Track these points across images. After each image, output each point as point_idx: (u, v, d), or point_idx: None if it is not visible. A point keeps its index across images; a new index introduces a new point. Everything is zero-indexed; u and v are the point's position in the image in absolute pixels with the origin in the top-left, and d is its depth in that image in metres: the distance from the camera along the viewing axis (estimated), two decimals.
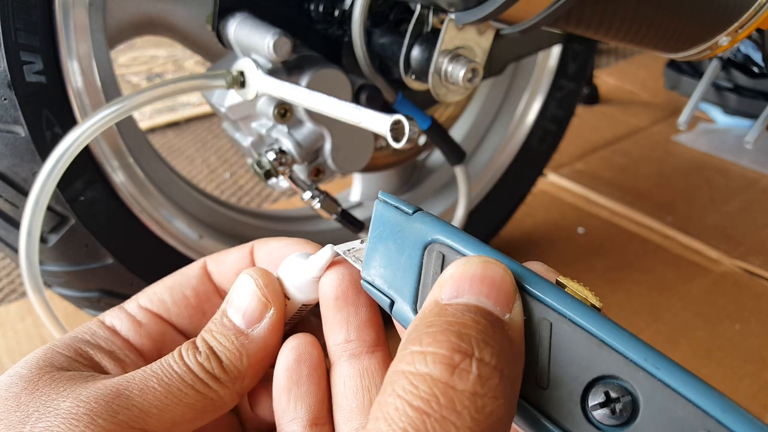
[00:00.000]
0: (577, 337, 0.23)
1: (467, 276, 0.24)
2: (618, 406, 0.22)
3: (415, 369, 0.22)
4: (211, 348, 0.30)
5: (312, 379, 0.31)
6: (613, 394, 0.22)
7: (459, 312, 0.23)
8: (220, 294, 0.36)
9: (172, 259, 0.68)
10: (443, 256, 0.27)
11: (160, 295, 0.34)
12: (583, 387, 0.23)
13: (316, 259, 0.32)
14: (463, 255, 0.27)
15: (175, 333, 0.35)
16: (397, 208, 0.29)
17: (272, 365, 0.32)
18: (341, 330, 0.31)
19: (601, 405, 0.23)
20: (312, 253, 0.33)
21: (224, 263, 0.35)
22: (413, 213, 0.29)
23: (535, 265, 0.27)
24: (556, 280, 0.26)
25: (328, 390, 0.32)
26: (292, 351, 0.31)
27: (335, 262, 0.32)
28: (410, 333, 0.23)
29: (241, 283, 0.32)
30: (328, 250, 0.31)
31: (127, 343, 0.33)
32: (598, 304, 0.24)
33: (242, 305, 0.31)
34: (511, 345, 0.23)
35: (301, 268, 0.32)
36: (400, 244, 0.29)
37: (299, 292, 0.32)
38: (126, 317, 0.34)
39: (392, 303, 0.28)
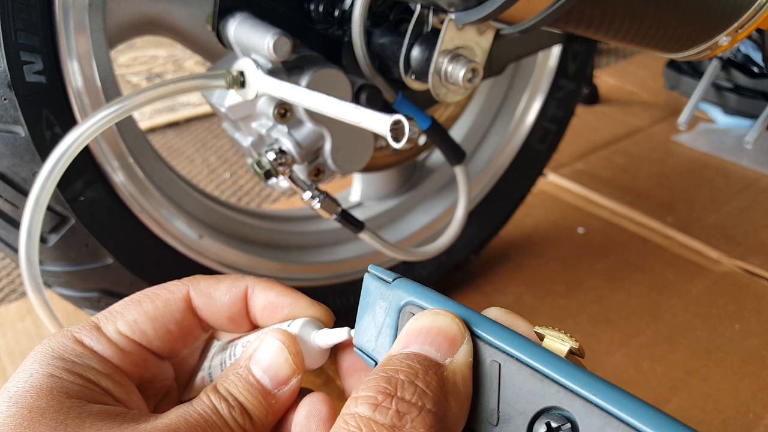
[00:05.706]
0: (522, 374, 0.25)
1: (417, 328, 0.28)
2: None
3: (348, 411, 0.26)
4: (241, 404, 0.32)
5: None
6: (554, 424, 0.24)
7: (398, 360, 0.27)
8: (203, 326, 0.37)
9: (172, 259, 0.68)
10: (413, 315, 0.29)
11: (142, 327, 0.35)
12: (528, 420, 0.25)
13: (330, 336, 0.35)
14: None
15: (154, 358, 0.36)
16: (380, 278, 0.32)
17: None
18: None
19: None
20: (315, 315, 0.36)
21: (214, 302, 0.36)
22: (392, 281, 0.31)
23: (493, 311, 0.29)
24: (535, 331, 0.27)
25: None
26: (303, 408, 0.34)
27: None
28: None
29: (270, 345, 0.34)
30: (344, 334, 0.34)
31: (116, 367, 0.34)
32: (575, 345, 0.26)
33: (271, 368, 0.33)
34: (445, 384, 0.26)
35: (313, 338, 0.35)
36: (381, 310, 0.31)
37: (309, 357, 0.35)
38: (107, 342, 0.34)
39: (376, 364, 0.31)
